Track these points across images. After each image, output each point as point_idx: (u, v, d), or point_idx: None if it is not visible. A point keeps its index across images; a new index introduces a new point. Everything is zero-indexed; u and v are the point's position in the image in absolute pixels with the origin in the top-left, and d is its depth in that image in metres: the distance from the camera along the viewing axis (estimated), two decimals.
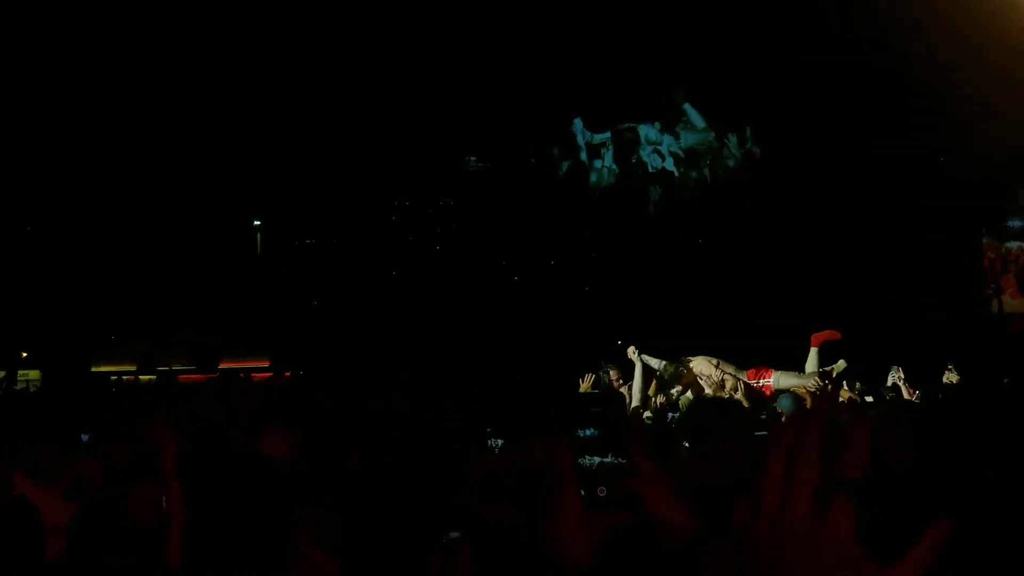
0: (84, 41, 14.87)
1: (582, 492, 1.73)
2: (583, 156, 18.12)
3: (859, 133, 15.60)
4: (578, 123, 18.10)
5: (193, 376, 14.27)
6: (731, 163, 17.66)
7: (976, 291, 16.04)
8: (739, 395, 8.60)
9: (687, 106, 17.95)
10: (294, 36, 15.83)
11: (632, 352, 9.11)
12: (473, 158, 18.51)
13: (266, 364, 16.53)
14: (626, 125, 17.99)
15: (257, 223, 19.06)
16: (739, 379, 8.89)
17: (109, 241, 16.12)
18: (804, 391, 8.24)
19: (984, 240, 16.25)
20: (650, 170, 17.87)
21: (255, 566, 2.24)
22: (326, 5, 15.93)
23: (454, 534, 2.38)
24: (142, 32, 15.20)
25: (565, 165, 17.98)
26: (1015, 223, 16.31)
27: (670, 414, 7.95)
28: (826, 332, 9.11)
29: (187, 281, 16.39)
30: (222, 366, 16.01)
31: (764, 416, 8.02)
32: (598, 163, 18.04)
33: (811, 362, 8.96)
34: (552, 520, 1.54)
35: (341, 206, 17.66)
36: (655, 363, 9.13)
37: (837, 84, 15.32)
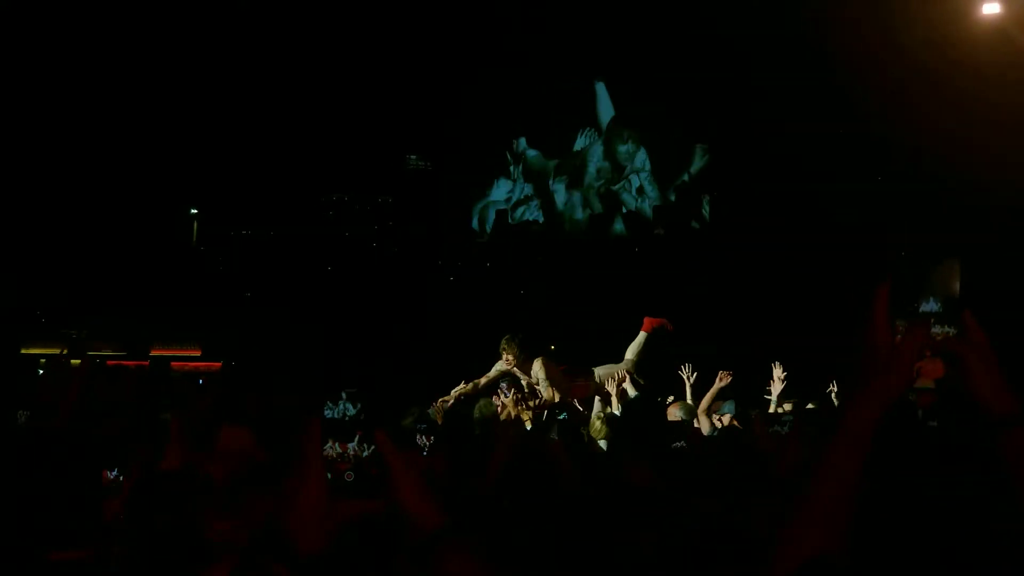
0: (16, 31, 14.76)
1: (329, 476, 1.71)
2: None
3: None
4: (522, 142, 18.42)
5: (123, 362, 14.24)
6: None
7: None
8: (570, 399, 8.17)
9: (600, 85, 18.35)
10: (238, 28, 15.86)
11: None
12: (414, 156, 18.58)
13: (198, 353, 16.55)
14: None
15: (194, 211, 18.96)
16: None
17: (45, 225, 15.97)
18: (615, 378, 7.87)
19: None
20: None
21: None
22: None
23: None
24: (78, 20, 15.12)
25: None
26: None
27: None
28: (660, 320, 8.43)
29: (121, 267, 16.29)
30: (153, 353, 15.99)
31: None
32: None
33: (635, 346, 8.24)
34: (291, 502, 1.53)
35: (279, 198, 17.66)
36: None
37: None
